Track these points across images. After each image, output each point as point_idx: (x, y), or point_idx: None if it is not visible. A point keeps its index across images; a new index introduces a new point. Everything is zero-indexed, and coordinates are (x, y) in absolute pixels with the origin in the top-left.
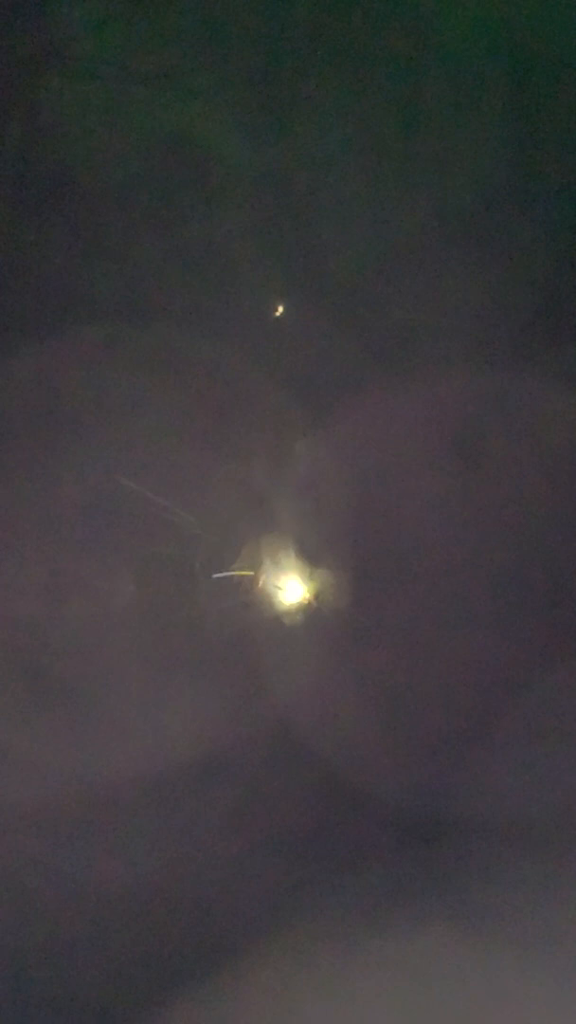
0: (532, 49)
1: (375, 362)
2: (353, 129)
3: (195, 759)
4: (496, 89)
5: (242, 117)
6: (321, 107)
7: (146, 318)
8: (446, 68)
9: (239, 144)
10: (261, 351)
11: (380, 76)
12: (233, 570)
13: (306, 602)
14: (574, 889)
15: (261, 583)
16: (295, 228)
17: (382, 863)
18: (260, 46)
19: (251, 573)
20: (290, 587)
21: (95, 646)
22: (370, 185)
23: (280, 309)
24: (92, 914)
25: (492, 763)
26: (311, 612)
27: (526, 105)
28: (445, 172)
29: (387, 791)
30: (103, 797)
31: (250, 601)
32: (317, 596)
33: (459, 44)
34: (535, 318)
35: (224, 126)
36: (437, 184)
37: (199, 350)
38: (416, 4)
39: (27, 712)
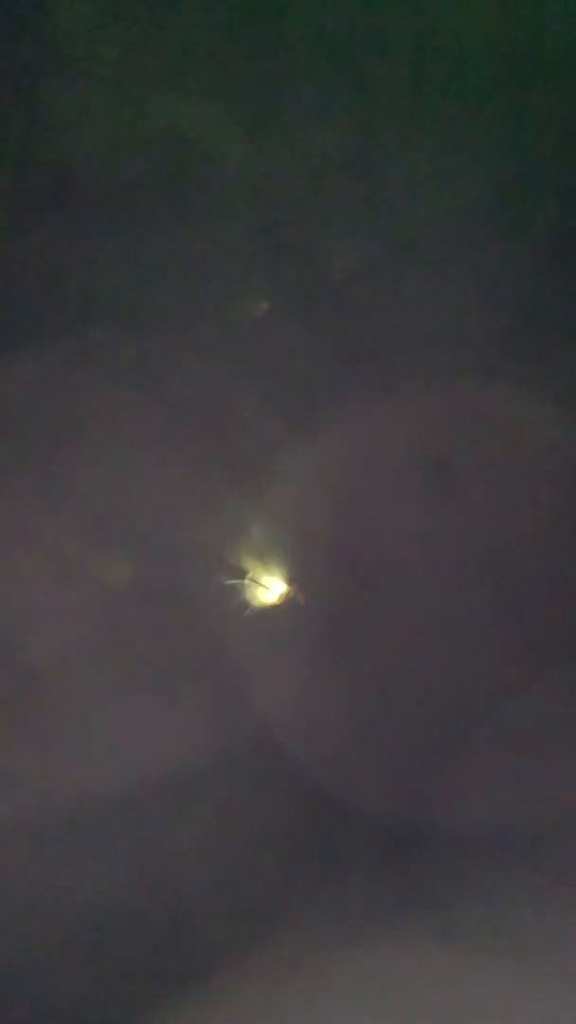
0: (535, 56)
1: (370, 372)
2: (353, 132)
3: (174, 769)
4: (498, 97)
5: (243, 119)
6: (322, 110)
7: (143, 321)
8: (448, 72)
9: (239, 146)
10: (255, 357)
11: (382, 79)
12: (219, 577)
13: (290, 610)
14: (563, 902)
15: (246, 590)
16: (296, 231)
17: (368, 876)
18: (261, 47)
19: (241, 579)
20: (274, 595)
21: (72, 654)
22: (370, 192)
23: (276, 315)
24: (66, 929)
25: (480, 775)
26: (295, 620)
27: (524, 120)
28: (444, 181)
29: (373, 802)
30: (79, 808)
31: (237, 607)
32: (301, 605)
33: (462, 47)
34: (528, 332)
35: (224, 128)
36: (434, 194)
37: (195, 355)
38: (419, 6)
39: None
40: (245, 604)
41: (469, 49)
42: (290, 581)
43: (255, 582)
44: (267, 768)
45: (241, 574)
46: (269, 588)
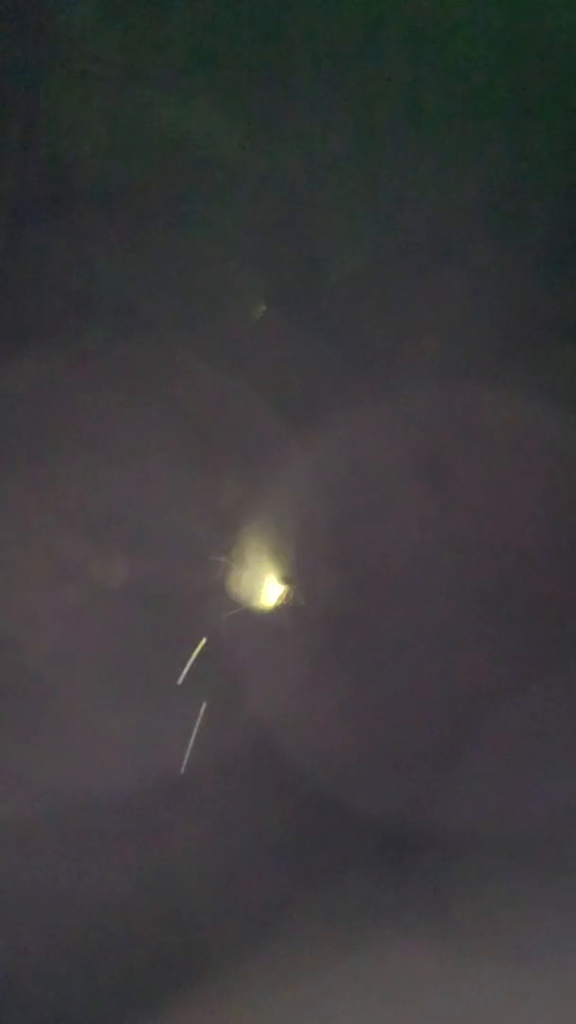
0: (536, 57)
1: (370, 372)
2: (353, 133)
3: (174, 769)
4: (499, 99)
5: (243, 119)
6: (322, 110)
7: (142, 322)
8: (449, 73)
9: (239, 147)
10: (255, 357)
11: (382, 79)
12: (218, 578)
13: (288, 611)
14: (560, 903)
15: (245, 591)
16: (295, 232)
17: (366, 877)
18: (261, 47)
19: (240, 580)
20: (272, 595)
21: (71, 654)
22: (369, 192)
23: (275, 316)
24: (66, 930)
25: (477, 775)
26: (293, 621)
27: (524, 122)
28: (443, 183)
29: (373, 803)
30: (79, 808)
31: (236, 608)
32: (300, 606)
33: (463, 48)
34: (528, 333)
35: (224, 128)
36: (434, 195)
37: (194, 355)
38: (419, 6)
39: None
40: (244, 605)
41: (469, 50)
42: (290, 582)
43: (254, 582)
44: (267, 768)
45: (240, 574)
46: (269, 589)
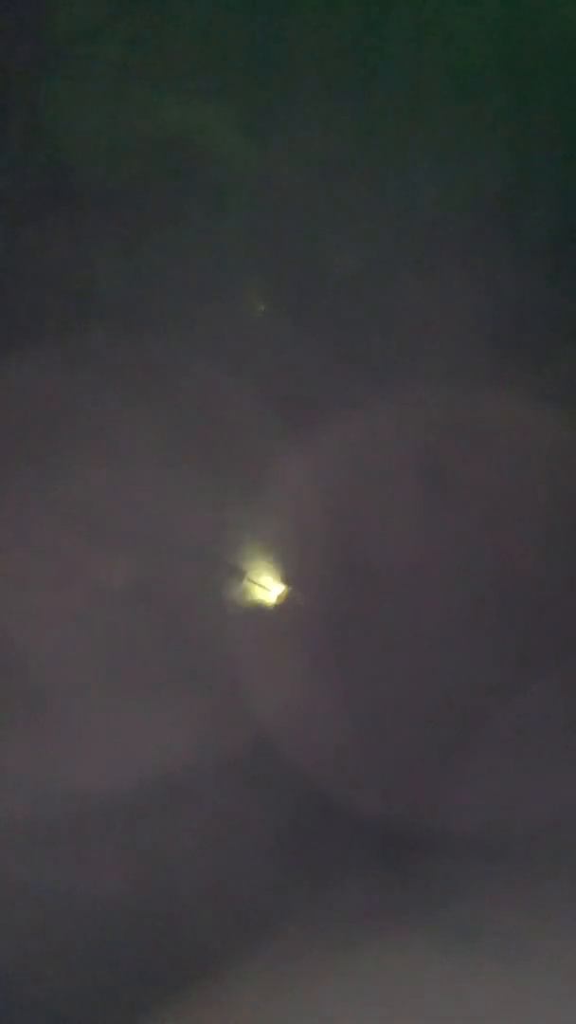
0: (536, 57)
1: (369, 372)
2: (354, 132)
3: (173, 770)
4: (498, 99)
5: (243, 118)
6: (323, 110)
7: (142, 322)
8: (448, 73)
9: (240, 146)
10: (254, 357)
11: (383, 79)
12: (218, 578)
13: (289, 611)
14: (560, 903)
15: (246, 590)
16: (295, 232)
17: (366, 878)
18: (263, 46)
19: (241, 580)
20: (273, 595)
21: (70, 655)
22: (369, 192)
23: (276, 315)
24: (65, 931)
25: (478, 775)
26: (294, 621)
27: (524, 122)
28: (443, 183)
29: (372, 804)
30: (78, 809)
31: (236, 608)
32: (300, 606)
33: (464, 47)
34: (527, 333)
35: (225, 127)
36: (434, 195)
37: (194, 354)
38: (420, 6)
39: None
40: (244, 605)
41: (469, 49)
42: (289, 581)
43: (255, 582)
44: (266, 770)
45: (241, 574)
46: (268, 588)
